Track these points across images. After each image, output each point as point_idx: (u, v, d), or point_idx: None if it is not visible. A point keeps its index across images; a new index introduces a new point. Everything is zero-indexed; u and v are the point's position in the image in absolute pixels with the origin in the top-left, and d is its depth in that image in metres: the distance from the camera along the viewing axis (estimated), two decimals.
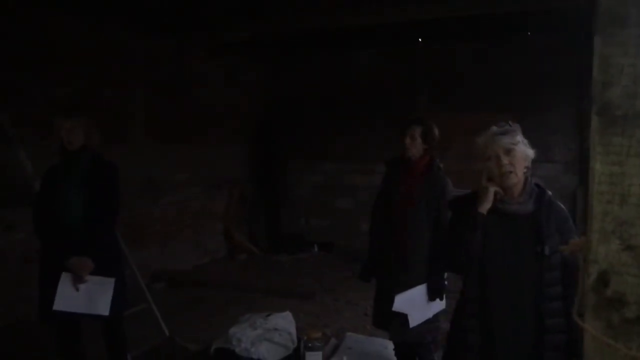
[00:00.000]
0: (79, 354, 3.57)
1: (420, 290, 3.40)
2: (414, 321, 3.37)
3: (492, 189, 2.29)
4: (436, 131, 3.52)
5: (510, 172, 2.24)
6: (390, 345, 3.86)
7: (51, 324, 3.46)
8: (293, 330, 4.06)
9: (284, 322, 4.07)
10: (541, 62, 7.10)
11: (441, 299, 3.45)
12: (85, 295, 3.26)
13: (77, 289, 3.23)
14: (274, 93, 8.88)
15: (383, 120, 7.79)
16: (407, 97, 7.77)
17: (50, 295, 3.30)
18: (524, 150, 2.28)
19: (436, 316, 3.52)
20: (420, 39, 7.66)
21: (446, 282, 3.47)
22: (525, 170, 2.29)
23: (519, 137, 2.29)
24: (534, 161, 2.33)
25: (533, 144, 2.33)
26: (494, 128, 2.34)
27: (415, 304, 3.40)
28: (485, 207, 2.29)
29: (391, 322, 3.48)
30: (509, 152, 2.25)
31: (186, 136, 7.30)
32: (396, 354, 3.76)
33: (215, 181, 7.93)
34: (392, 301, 3.36)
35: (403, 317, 3.37)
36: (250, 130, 8.64)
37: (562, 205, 2.34)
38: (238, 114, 8.34)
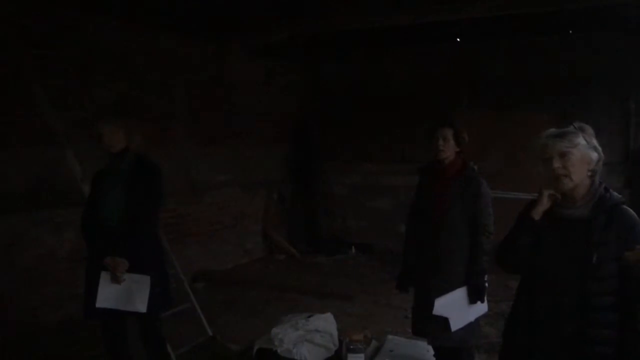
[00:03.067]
0: (125, 351, 3.66)
1: (460, 293, 3.36)
2: (455, 325, 3.33)
3: (547, 193, 2.24)
4: (465, 133, 3.47)
5: (565, 176, 2.17)
6: (432, 349, 3.82)
7: (95, 320, 3.55)
8: (334, 332, 4.06)
9: (326, 323, 4.08)
10: (585, 61, 6.95)
11: (482, 302, 3.40)
12: (124, 293, 3.36)
13: (114, 287, 3.32)
14: (311, 94, 8.92)
15: (422, 121, 7.72)
16: (446, 97, 7.69)
17: (93, 293, 3.42)
18: (585, 154, 2.19)
19: (478, 320, 3.47)
20: (459, 38, 7.59)
21: (487, 284, 3.41)
22: (589, 173, 2.21)
23: (580, 140, 2.19)
24: None
25: None
26: (552, 130, 2.26)
27: (456, 307, 3.35)
28: (538, 210, 2.25)
29: (431, 327, 3.45)
30: (563, 155, 2.17)
31: (226, 138, 7.42)
32: (436, 359, 3.72)
33: (254, 182, 8.02)
34: (431, 307, 3.33)
35: (443, 321, 3.33)
36: (288, 132, 8.70)
37: (633, 213, 2.20)
38: (276, 116, 8.42)
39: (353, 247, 8.28)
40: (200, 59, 7.05)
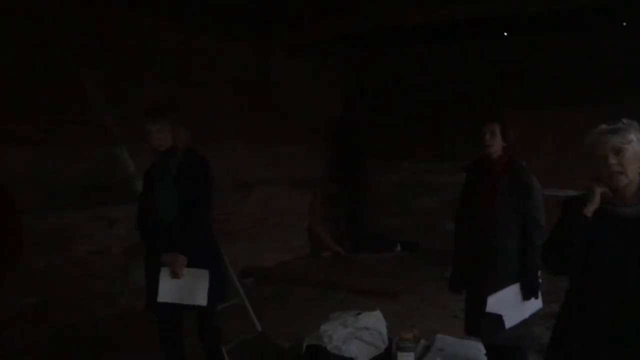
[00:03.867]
0: (179, 343, 3.73)
1: (513, 290, 3.29)
2: (509, 322, 3.25)
3: (599, 190, 2.17)
4: (512, 128, 3.39)
5: (620, 173, 2.10)
6: (484, 349, 3.75)
7: (155, 314, 3.62)
8: (384, 330, 4.06)
9: (375, 321, 4.08)
10: (632, 57, 6.70)
11: (536, 297, 3.33)
12: (184, 288, 3.41)
13: (174, 283, 3.38)
14: (355, 91, 8.90)
15: (468, 117, 7.60)
16: (493, 94, 7.55)
17: (152, 288, 3.49)
18: (637, 150, 2.11)
19: (533, 317, 3.39)
20: (505, 33, 7.42)
21: (540, 280, 3.33)
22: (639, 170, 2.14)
23: (632, 136, 2.12)
24: None
25: None
26: (603, 126, 2.18)
27: (510, 304, 3.28)
28: (589, 209, 2.18)
29: (484, 325, 3.38)
30: (618, 151, 2.10)
31: (271, 135, 7.49)
32: (489, 359, 3.66)
33: (299, 180, 8.06)
34: (484, 304, 3.28)
35: (497, 319, 3.27)
36: (333, 129, 8.71)
37: None
38: (321, 113, 8.44)
39: (398, 245, 8.23)
40: (246, 58, 7.13)
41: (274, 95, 7.56)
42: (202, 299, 3.43)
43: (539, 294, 3.33)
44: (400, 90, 8.47)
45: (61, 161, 4.98)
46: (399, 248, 8.20)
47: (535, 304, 3.35)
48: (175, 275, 3.37)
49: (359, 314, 4.10)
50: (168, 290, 3.40)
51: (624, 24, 6.71)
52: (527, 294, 3.29)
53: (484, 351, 3.74)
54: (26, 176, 4.64)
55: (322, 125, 8.53)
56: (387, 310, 5.29)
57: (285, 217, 7.82)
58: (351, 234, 8.71)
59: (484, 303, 3.26)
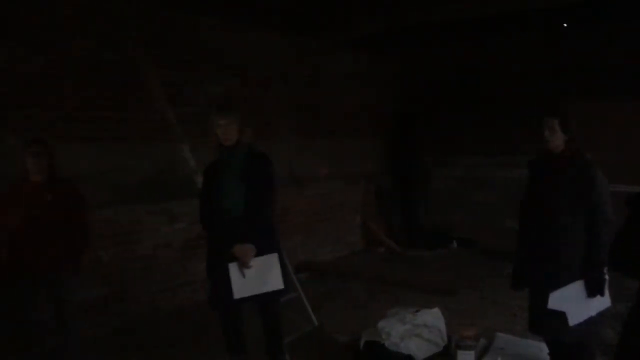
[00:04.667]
0: (240, 334, 3.81)
1: (577, 286, 3.18)
2: (573, 319, 3.15)
3: None
4: (574, 120, 3.27)
5: None
6: (546, 349, 3.66)
7: (217, 307, 3.71)
8: (443, 327, 4.02)
9: (434, 318, 4.05)
10: None
11: (602, 295, 3.21)
12: (257, 277, 3.49)
13: (245, 275, 3.46)
14: (409, 86, 8.81)
15: (528, 111, 7.41)
16: (555, 87, 7.32)
17: (215, 281, 3.57)
18: None
19: (600, 316, 3.28)
20: (565, 24, 7.17)
21: (606, 277, 3.22)
22: None
23: None
24: None
25: None
26: None
27: (573, 301, 3.18)
28: None
29: (548, 322, 3.30)
30: None
31: (326, 131, 7.52)
32: (552, 358, 3.57)
33: (354, 175, 8.07)
34: (547, 301, 3.20)
35: (561, 316, 3.18)
36: (387, 124, 8.67)
37: None
38: (375, 108, 8.41)
39: (455, 241, 8.12)
40: (302, 54, 7.18)
41: (328, 91, 7.59)
42: (276, 283, 3.52)
43: (606, 292, 3.22)
44: (456, 84, 8.33)
45: (126, 158, 5.15)
46: (455, 245, 8.09)
47: (602, 302, 3.24)
48: (245, 266, 3.45)
49: (417, 310, 4.08)
50: (242, 285, 3.47)
51: None
52: (592, 291, 3.18)
53: (546, 351, 3.65)
54: (93, 172, 4.82)
55: (377, 120, 8.49)
56: (443, 308, 5.26)
57: (339, 213, 7.84)
58: (405, 229, 8.65)
59: (547, 300, 3.19)
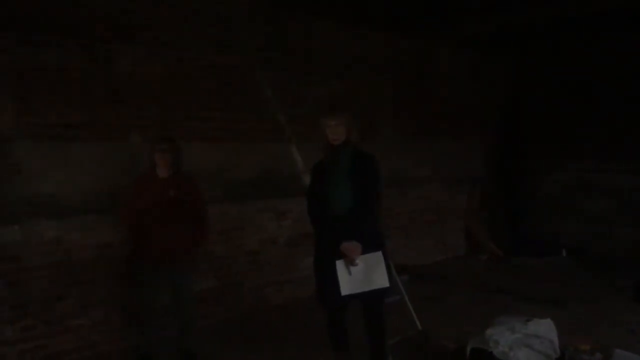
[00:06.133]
0: (345, 331, 3.86)
1: None
2: None
3: None
4: None
5: None
6: None
7: (325, 303, 3.78)
8: (555, 339, 3.84)
9: (545, 329, 3.87)
10: None
11: None
12: (363, 275, 3.53)
13: (351, 272, 3.51)
14: (518, 87, 8.50)
15: None
16: None
17: (324, 278, 3.65)
18: None
19: None
20: None
21: None
22: None
23: None
24: None
25: None
26: None
27: None
28: None
29: None
30: None
31: (429, 132, 7.44)
32: None
33: (456, 178, 7.91)
34: None
35: None
36: (492, 126, 8.42)
37: None
38: (482, 110, 8.20)
39: (563, 249, 7.72)
40: (406, 54, 7.14)
41: (433, 92, 7.49)
42: (383, 281, 3.55)
43: None
44: (567, 85, 7.92)
45: (240, 157, 5.37)
46: (564, 253, 7.69)
47: None
48: (351, 262, 3.50)
49: (528, 320, 3.93)
50: (349, 282, 3.53)
51: None
52: None
53: None
54: (206, 169, 5.07)
55: (483, 122, 8.27)
56: (552, 319, 5.03)
57: (442, 216, 7.71)
58: (510, 236, 8.34)
59: None
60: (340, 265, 3.53)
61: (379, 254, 3.56)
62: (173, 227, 3.94)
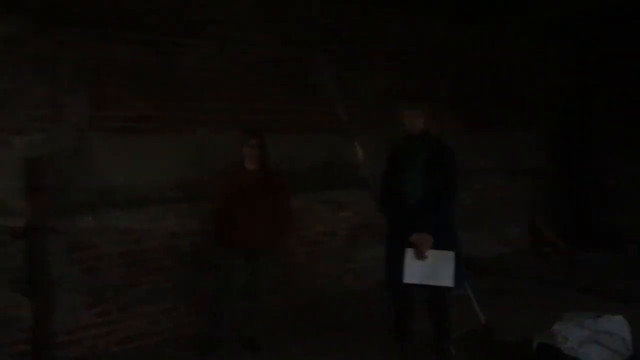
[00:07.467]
0: (410, 323, 3.87)
1: None
2: None
3: None
4: None
5: None
6: None
7: (393, 290, 3.79)
8: (628, 337, 3.72)
9: (617, 325, 3.76)
10: None
11: None
12: (430, 268, 3.54)
13: (418, 263, 3.51)
14: (584, 75, 8.18)
15: None
16: None
17: (392, 265, 3.66)
18: None
19: None
20: None
21: None
22: None
23: None
24: None
25: None
26: None
27: None
28: None
29: None
30: None
31: (492, 123, 7.29)
32: None
33: (519, 169, 7.72)
34: None
35: None
36: (556, 117, 8.15)
37: None
38: (544, 99, 7.95)
39: (634, 245, 7.40)
40: (469, 43, 7.01)
41: (496, 81, 7.32)
42: (447, 280, 3.56)
43: None
44: (639, 74, 7.56)
45: (301, 149, 5.44)
46: (635, 249, 7.37)
47: None
48: (420, 255, 3.50)
49: (598, 316, 3.81)
50: (413, 271, 3.55)
51: None
52: None
53: None
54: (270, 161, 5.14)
55: (549, 112, 8.02)
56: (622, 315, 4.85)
57: (505, 208, 7.53)
58: (576, 230, 8.07)
59: None
60: (409, 253, 3.55)
61: (451, 254, 3.54)
62: (259, 217, 4.13)
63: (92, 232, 4.22)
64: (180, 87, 4.64)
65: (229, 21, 4.92)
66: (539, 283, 6.12)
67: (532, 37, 7.55)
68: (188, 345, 4.45)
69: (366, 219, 5.83)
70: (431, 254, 3.52)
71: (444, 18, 6.54)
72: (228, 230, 4.17)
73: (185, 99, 4.67)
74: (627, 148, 7.86)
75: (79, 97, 4.14)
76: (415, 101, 3.77)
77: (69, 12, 4.08)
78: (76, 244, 4.15)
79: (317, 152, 5.55)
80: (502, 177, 7.51)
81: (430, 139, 3.70)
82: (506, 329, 4.56)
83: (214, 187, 4.31)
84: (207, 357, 4.25)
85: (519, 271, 6.60)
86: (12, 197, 3.84)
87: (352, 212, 5.81)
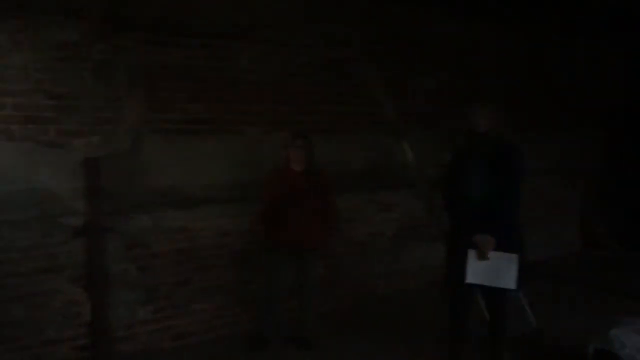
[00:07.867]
0: (466, 324, 3.84)
1: None
2: None
3: None
4: None
5: None
6: None
7: (452, 290, 3.80)
8: None
9: None
10: None
11: None
12: (493, 270, 3.51)
13: (480, 264, 3.48)
14: (636, 76, 7.91)
15: None
16: None
17: (454, 264, 3.66)
18: None
19: None
20: None
21: None
22: None
23: None
24: None
25: None
26: None
27: None
28: None
29: None
30: None
31: (542, 123, 7.12)
32: None
33: (571, 170, 7.54)
34: None
35: None
36: (610, 117, 7.91)
37: None
38: (597, 100, 7.72)
39: None
40: (519, 44, 6.87)
41: (546, 82, 7.14)
42: (510, 282, 3.54)
43: None
44: None
45: (350, 149, 5.44)
46: None
47: None
48: (482, 256, 3.47)
49: None
50: (476, 271, 3.53)
51: None
52: None
53: None
54: (318, 162, 5.17)
55: (599, 113, 7.79)
56: None
57: (556, 210, 7.37)
58: (631, 232, 7.81)
59: None
60: (472, 253, 3.52)
61: (514, 257, 3.50)
62: (306, 217, 4.19)
63: (147, 231, 4.34)
64: (231, 90, 4.71)
65: (278, 24, 4.96)
66: (591, 287, 5.97)
67: (585, 37, 7.33)
68: (238, 343, 4.53)
69: (413, 220, 5.82)
70: (494, 255, 3.49)
71: (494, 18, 6.43)
72: (276, 231, 4.24)
73: (236, 101, 4.74)
74: None
75: (136, 100, 4.26)
76: (488, 98, 3.73)
77: (126, 19, 4.20)
78: (132, 242, 4.27)
79: (366, 152, 5.54)
80: (554, 178, 7.35)
81: (495, 138, 3.66)
82: (558, 334, 4.49)
83: (262, 188, 4.38)
84: (256, 354, 4.31)
85: (571, 274, 6.46)
86: (72, 197, 3.98)
87: (399, 213, 5.79)
